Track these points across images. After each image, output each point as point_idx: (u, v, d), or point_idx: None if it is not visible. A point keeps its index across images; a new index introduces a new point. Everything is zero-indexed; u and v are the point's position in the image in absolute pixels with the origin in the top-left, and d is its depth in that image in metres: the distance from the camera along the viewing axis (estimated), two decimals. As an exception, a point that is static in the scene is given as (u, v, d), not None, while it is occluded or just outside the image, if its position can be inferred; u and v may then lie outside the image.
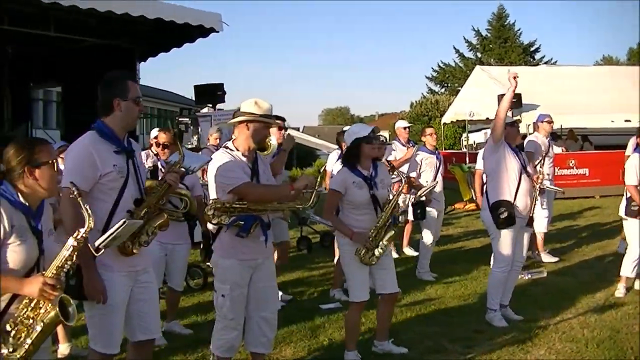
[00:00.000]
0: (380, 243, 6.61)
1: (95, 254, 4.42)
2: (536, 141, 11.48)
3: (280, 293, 8.85)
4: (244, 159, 5.78)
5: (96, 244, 4.33)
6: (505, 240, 7.98)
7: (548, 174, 11.37)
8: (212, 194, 5.75)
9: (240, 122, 5.79)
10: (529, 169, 8.18)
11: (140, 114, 5.07)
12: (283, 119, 9.19)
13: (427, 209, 10.65)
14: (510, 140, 8.10)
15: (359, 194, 6.66)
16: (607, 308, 8.57)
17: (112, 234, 4.35)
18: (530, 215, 8.16)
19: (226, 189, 5.59)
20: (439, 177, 10.99)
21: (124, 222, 4.36)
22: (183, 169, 5.20)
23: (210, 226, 5.85)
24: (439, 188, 10.92)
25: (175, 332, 7.85)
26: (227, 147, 5.89)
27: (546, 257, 11.68)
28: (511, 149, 8.06)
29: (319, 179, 5.99)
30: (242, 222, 5.55)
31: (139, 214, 4.82)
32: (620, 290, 9.19)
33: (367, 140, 6.72)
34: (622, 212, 9.28)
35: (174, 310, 8.08)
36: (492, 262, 8.46)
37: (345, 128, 11.45)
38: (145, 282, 5.06)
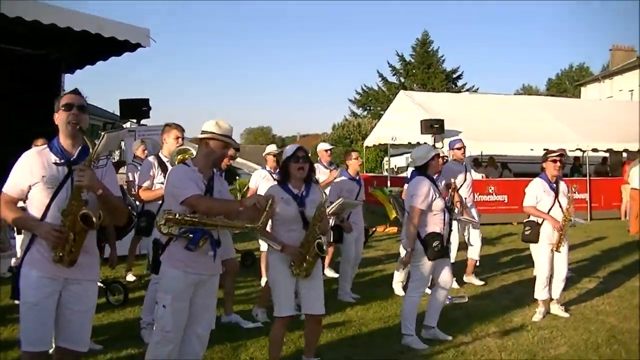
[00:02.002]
0: (307, 257, 6.70)
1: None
2: (451, 167, 11.76)
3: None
4: (200, 174, 5.90)
5: None
6: (426, 267, 8.20)
7: (465, 199, 11.66)
8: (166, 206, 5.89)
9: (200, 139, 5.97)
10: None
11: (74, 119, 5.10)
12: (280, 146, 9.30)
13: (345, 232, 10.68)
14: (432, 171, 8.43)
15: (286, 210, 6.75)
16: (525, 332, 8.75)
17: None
18: (448, 244, 8.44)
19: (178, 199, 5.70)
20: (359, 200, 10.96)
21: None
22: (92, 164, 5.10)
23: (160, 237, 6.04)
24: (357, 210, 10.94)
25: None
26: (185, 164, 6.04)
27: (474, 280, 11.98)
28: (433, 181, 8.35)
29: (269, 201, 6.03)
30: (192, 235, 5.64)
31: (64, 222, 4.89)
32: (537, 315, 9.43)
33: (294, 159, 6.84)
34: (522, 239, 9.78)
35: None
36: (408, 287, 8.59)
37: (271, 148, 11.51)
38: (76, 292, 5.10)
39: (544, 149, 11.88)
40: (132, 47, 13.59)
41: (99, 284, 9.70)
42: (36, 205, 5.04)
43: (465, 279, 12.04)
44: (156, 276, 7.94)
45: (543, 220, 9.45)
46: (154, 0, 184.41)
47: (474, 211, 12.15)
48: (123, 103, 15.68)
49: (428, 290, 9.06)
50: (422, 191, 8.18)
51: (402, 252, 10.52)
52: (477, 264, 12.35)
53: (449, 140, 12.85)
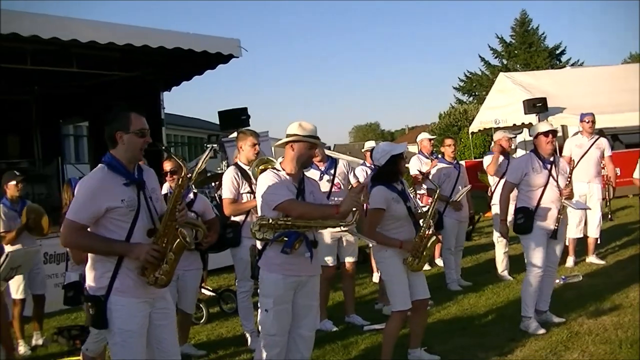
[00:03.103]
0: (426, 248, 6.76)
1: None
2: (569, 143, 11.57)
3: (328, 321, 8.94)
4: (289, 178, 5.96)
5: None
6: (534, 246, 8.01)
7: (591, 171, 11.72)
8: (260, 212, 5.93)
9: (286, 143, 6.01)
10: (560, 180, 8.16)
11: (145, 146, 5.01)
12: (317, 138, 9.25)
13: (445, 218, 10.64)
14: (541, 151, 8.16)
15: (398, 208, 6.80)
16: (642, 307, 8.50)
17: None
18: (557, 225, 8.13)
19: (271, 205, 5.76)
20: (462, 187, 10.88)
21: (7, 255, 4.51)
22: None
23: (257, 244, 6.02)
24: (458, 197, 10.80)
25: (191, 354, 7.96)
26: (274, 168, 6.11)
27: (595, 260, 11.68)
28: (539, 159, 8.12)
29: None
30: (286, 238, 5.67)
31: (158, 243, 4.86)
32: None
33: (401, 157, 6.89)
34: None
35: (185, 333, 8.07)
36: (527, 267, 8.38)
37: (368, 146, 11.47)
38: (162, 307, 5.10)
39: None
40: (225, 58, 13.74)
41: (210, 293, 10.00)
42: (113, 229, 4.82)
43: (588, 259, 11.75)
44: (243, 284, 8.13)
45: None
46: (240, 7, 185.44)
47: (595, 186, 11.84)
48: (222, 114, 15.90)
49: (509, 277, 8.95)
50: (516, 164, 8.31)
51: (495, 239, 10.45)
52: (599, 242, 12.08)
53: (580, 113, 12.48)
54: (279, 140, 6.17)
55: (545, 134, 8.07)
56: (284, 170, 6.00)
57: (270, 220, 5.70)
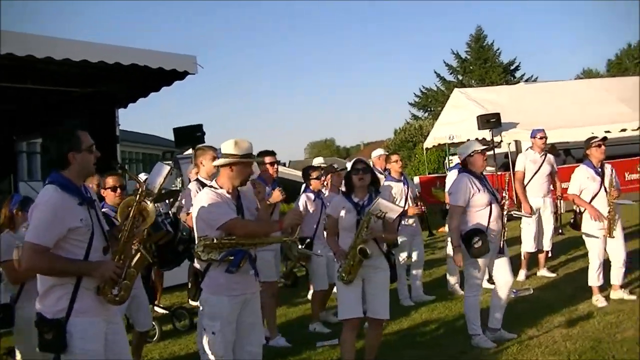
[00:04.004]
0: (350, 261, 6.80)
1: None
2: (523, 158, 11.81)
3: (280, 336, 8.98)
4: (229, 196, 5.96)
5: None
6: (478, 266, 8.12)
7: (544, 186, 12.02)
8: (199, 232, 5.86)
9: (226, 165, 5.99)
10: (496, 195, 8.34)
11: (95, 160, 5.03)
12: (273, 154, 9.31)
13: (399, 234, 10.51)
14: (474, 167, 8.28)
15: (346, 218, 7.01)
16: (591, 319, 8.68)
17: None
18: (503, 241, 8.28)
19: (215, 225, 5.73)
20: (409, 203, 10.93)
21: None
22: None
23: (198, 264, 5.93)
24: (410, 212, 10.84)
25: None
26: (211, 186, 6.09)
27: (546, 273, 11.89)
28: (476, 177, 8.25)
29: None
30: (232, 257, 5.65)
31: (120, 261, 4.90)
32: (600, 300, 9.35)
33: (354, 171, 7.09)
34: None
35: (140, 352, 7.99)
36: (465, 289, 8.57)
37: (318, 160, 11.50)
38: (116, 323, 5.12)
39: (605, 131, 11.82)
40: (181, 75, 13.74)
41: (163, 311, 9.99)
42: (71, 250, 4.78)
43: (539, 273, 11.97)
44: None
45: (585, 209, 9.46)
46: (199, 25, 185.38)
47: (548, 201, 12.11)
48: (177, 131, 15.87)
49: (490, 285, 9.04)
50: (458, 187, 8.17)
51: (450, 253, 10.56)
52: (549, 255, 12.31)
53: (532, 129, 12.70)
54: (219, 160, 6.11)
55: (482, 152, 8.29)
56: (221, 188, 6.01)
57: (215, 240, 5.68)
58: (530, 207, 11.61)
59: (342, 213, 7.02)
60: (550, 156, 12.37)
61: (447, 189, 10.38)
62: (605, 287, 9.71)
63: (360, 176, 7.01)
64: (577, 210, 9.60)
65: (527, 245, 11.83)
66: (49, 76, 13.03)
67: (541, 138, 12.22)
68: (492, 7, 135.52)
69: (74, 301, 4.74)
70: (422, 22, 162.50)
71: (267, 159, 9.10)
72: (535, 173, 11.93)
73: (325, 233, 8.66)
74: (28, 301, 5.92)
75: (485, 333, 8.24)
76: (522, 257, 12.00)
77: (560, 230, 12.51)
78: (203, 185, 8.06)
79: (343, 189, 7.39)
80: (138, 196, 5.05)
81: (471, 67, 67.52)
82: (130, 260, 4.92)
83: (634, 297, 9.46)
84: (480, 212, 8.11)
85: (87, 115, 14.23)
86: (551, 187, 12.24)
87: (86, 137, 4.97)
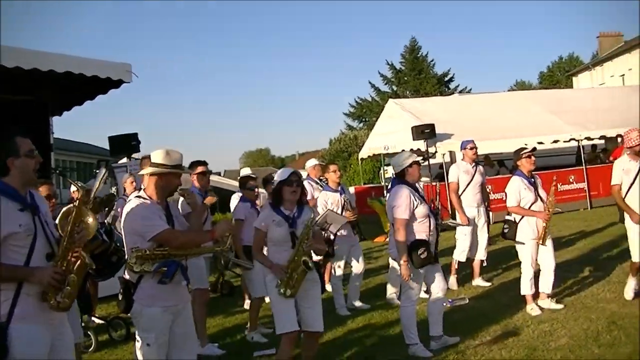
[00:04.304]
0: (293, 275, 6.79)
1: None
2: (456, 169, 11.96)
3: (212, 344, 8.94)
4: (159, 206, 5.91)
5: None
6: (415, 276, 8.14)
7: (477, 196, 12.17)
8: (130, 243, 5.78)
9: (155, 174, 5.94)
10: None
11: (36, 167, 5.01)
12: (205, 164, 9.30)
13: (336, 244, 10.62)
14: (411, 178, 8.31)
15: (277, 231, 6.89)
16: (525, 328, 8.79)
17: None
18: (436, 250, 8.36)
19: (147, 236, 5.67)
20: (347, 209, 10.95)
21: None
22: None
23: (128, 275, 5.84)
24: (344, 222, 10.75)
25: None
26: (139, 196, 6.00)
27: (481, 283, 11.99)
28: (414, 188, 8.30)
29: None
30: (165, 269, 5.60)
31: (59, 265, 4.84)
32: (534, 309, 9.46)
33: (288, 183, 6.97)
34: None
35: None
36: (401, 298, 8.59)
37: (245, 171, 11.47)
38: (61, 332, 5.05)
39: (538, 142, 11.98)
40: (116, 83, 13.61)
41: (99, 321, 9.87)
42: (11, 256, 4.72)
43: (474, 282, 12.06)
44: None
45: (522, 217, 9.60)
46: (133, 33, 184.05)
47: (482, 210, 12.25)
48: (112, 139, 15.72)
49: (425, 295, 9.09)
50: (401, 200, 8.09)
51: (391, 263, 10.60)
52: (484, 264, 12.44)
53: (461, 141, 12.85)
54: (149, 169, 6.04)
55: (417, 163, 8.34)
56: (150, 198, 5.95)
57: (147, 252, 5.62)
58: (467, 217, 11.72)
59: (272, 226, 6.93)
60: (480, 167, 12.58)
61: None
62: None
63: (294, 189, 6.96)
64: (513, 220, 9.69)
65: (460, 255, 12.00)
66: (-19, 82, 12.80)
67: (472, 149, 12.37)
68: (427, 18, 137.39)
69: (15, 306, 4.70)
70: (357, 33, 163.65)
71: (199, 169, 9.08)
72: (469, 184, 12.08)
73: None
74: None
75: (430, 342, 8.31)
76: (452, 265, 12.17)
77: (489, 241, 12.64)
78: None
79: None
80: (77, 201, 5.02)
81: (406, 78, 68.31)
82: (72, 267, 4.86)
83: (560, 307, 9.60)
84: (422, 223, 8.16)
85: (20, 123, 13.97)
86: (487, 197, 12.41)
87: (25, 142, 4.94)
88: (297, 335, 7.04)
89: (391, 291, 11.28)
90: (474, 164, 12.35)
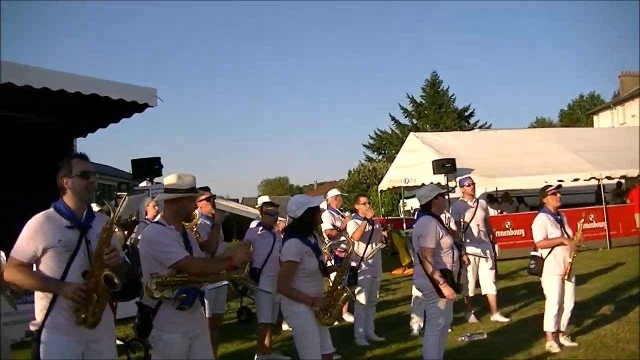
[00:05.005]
0: (337, 304, 6.82)
1: None
2: (458, 205, 12.17)
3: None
4: (177, 232, 5.91)
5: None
6: (440, 306, 8.16)
7: (481, 232, 12.13)
8: (148, 268, 5.76)
9: (170, 200, 5.96)
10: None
11: (91, 186, 5.30)
12: (208, 189, 9.33)
13: (360, 274, 10.69)
14: (436, 210, 8.41)
15: (311, 262, 6.80)
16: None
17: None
18: (459, 281, 8.43)
19: (167, 263, 5.65)
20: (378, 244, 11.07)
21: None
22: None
23: (147, 301, 5.80)
24: (375, 253, 10.93)
25: None
26: (158, 222, 6.05)
27: (499, 318, 11.94)
28: (438, 220, 8.37)
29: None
30: (185, 295, 5.59)
31: (87, 284, 4.96)
32: (554, 347, 9.40)
33: (318, 210, 7.03)
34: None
35: None
36: (425, 328, 8.54)
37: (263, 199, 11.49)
38: (96, 350, 5.17)
39: (558, 180, 12.00)
40: (141, 107, 13.67)
41: (119, 342, 9.86)
42: (52, 269, 5.04)
43: (492, 317, 12.01)
44: None
45: (549, 253, 9.54)
46: (159, 61, 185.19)
47: (485, 246, 12.28)
48: (135, 163, 15.84)
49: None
50: (429, 230, 8.15)
51: (415, 293, 10.61)
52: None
53: (458, 178, 12.94)
54: (163, 195, 6.06)
55: (443, 195, 8.48)
56: (168, 224, 5.93)
57: (167, 278, 5.61)
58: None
59: (306, 257, 6.77)
60: (482, 202, 12.78)
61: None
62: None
63: (320, 214, 7.02)
64: (540, 256, 9.66)
65: (467, 290, 12.13)
66: (7, 102, 12.88)
67: (469, 185, 12.54)
68: (448, 52, 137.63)
69: (47, 316, 5.01)
70: (378, 65, 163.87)
71: (204, 195, 9.10)
72: (471, 220, 12.09)
73: (272, 266, 9.31)
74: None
75: None
76: (467, 300, 12.22)
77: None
78: None
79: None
80: (109, 224, 5.12)
81: (426, 112, 68.32)
82: (99, 286, 4.96)
83: (574, 344, 9.57)
84: (446, 254, 8.21)
85: (44, 144, 14.06)
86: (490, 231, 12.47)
87: (79, 163, 5.29)
88: None
89: (414, 321, 11.27)
90: (474, 199, 12.47)
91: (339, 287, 6.90)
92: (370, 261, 10.90)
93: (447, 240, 8.19)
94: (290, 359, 9.57)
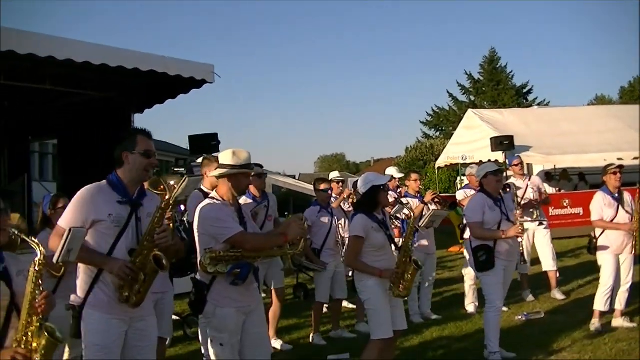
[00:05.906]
0: (406, 276, 6.80)
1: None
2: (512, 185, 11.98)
3: (280, 342, 9.01)
4: (232, 207, 5.93)
5: (54, 259, 4.64)
6: (494, 282, 8.21)
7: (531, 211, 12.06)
8: (203, 244, 5.80)
9: (225, 176, 5.94)
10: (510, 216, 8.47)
11: (152, 167, 5.25)
12: (260, 166, 9.34)
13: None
14: (490, 190, 8.44)
15: (378, 237, 6.89)
16: (602, 345, 8.64)
17: (63, 245, 4.55)
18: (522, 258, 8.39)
19: (221, 238, 5.68)
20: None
21: (70, 230, 4.59)
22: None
23: (201, 276, 5.87)
24: (429, 231, 10.91)
25: None
26: (213, 197, 6.02)
27: (557, 295, 11.97)
28: (491, 197, 8.40)
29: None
30: (239, 270, 5.61)
31: (134, 262, 4.93)
32: (596, 326, 9.36)
33: (385, 188, 7.09)
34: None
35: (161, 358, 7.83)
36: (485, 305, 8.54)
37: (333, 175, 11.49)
38: (141, 329, 5.14)
39: (618, 158, 11.84)
40: (198, 83, 13.72)
41: (175, 317, 9.95)
42: (98, 243, 4.98)
43: (551, 294, 12.03)
44: None
45: (602, 232, 9.49)
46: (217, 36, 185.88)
47: (537, 223, 12.33)
48: (192, 139, 15.89)
49: (505, 308, 9.03)
50: (471, 206, 8.45)
51: (466, 274, 10.67)
52: (558, 274, 12.44)
53: (508, 159, 12.91)
54: (218, 171, 6.05)
55: (495, 173, 8.44)
56: (223, 199, 5.95)
57: (221, 253, 5.64)
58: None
59: (372, 232, 6.86)
60: (535, 179, 12.86)
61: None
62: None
63: (387, 194, 7.06)
64: (593, 235, 9.56)
65: (521, 267, 11.86)
66: (67, 78, 13.03)
67: (516, 165, 12.56)
68: (507, 30, 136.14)
69: (90, 293, 4.98)
70: (436, 42, 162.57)
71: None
72: (522, 199, 11.97)
73: (330, 244, 9.62)
74: (62, 297, 5.83)
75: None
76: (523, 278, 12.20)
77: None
78: (205, 195, 7.77)
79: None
80: (163, 204, 5.07)
81: (484, 89, 67.47)
82: (147, 266, 4.93)
83: (633, 325, 9.45)
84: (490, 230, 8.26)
85: (103, 120, 14.21)
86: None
87: (144, 142, 5.23)
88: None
89: (468, 302, 11.27)
90: (525, 177, 12.52)
91: (406, 260, 6.88)
92: (423, 242, 10.86)
93: (492, 217, 8.28)
94: (356, 336, 9.73)
